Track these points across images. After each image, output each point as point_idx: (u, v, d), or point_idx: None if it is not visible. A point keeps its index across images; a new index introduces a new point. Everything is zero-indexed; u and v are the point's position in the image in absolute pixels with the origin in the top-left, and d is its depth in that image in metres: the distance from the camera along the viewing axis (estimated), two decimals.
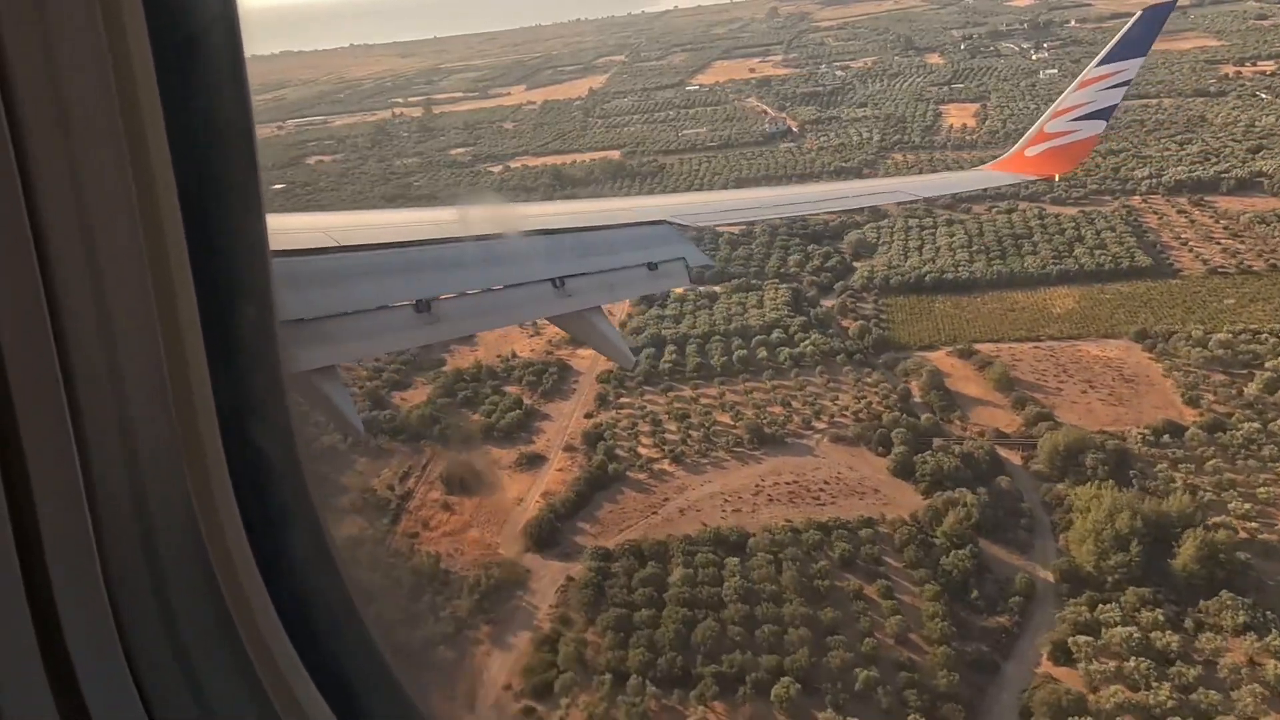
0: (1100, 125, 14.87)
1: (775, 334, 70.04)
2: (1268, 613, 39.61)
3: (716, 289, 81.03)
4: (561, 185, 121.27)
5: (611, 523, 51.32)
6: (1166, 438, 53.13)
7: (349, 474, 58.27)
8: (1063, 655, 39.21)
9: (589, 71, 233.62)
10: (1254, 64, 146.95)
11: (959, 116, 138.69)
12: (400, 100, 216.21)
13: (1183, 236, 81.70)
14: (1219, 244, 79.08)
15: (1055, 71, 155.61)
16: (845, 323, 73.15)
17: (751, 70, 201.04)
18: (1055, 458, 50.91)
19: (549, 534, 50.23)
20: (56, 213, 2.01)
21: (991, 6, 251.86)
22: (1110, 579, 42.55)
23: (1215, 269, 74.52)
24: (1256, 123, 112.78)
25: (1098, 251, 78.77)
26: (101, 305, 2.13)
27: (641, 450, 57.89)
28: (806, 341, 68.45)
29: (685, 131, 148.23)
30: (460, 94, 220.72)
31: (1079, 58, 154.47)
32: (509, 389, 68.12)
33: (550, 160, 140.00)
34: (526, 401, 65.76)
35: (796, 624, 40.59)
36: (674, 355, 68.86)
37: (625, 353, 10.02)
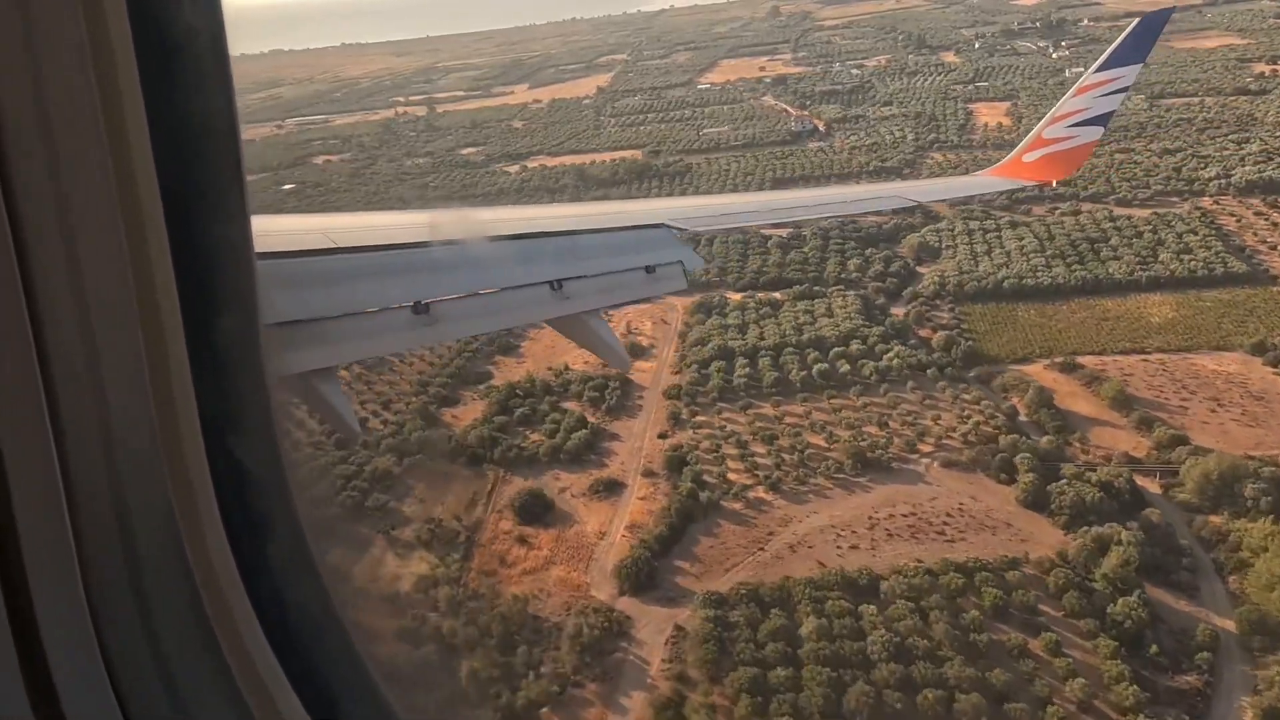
0: (1098, 131, 14.66)
1: (854, 345, 65.02)
2: None
3: (777, 295, 75.93)
4: (586, 186, 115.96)
5: (714, 561, 45.96)
6: None
7: (409, 502, 52.75)
8: None
9: (592, 70, 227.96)
10: None
11: (989, 115, 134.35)
12: (400, 99, 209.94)
13: (1269, 240, 77.21)
14: None
15: (1081, 69, 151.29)
16: (925, 333, 68.14)
17: (761, 69, 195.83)
18: (1206, 487, 45.99)
19: (645, 574, 44.88)
20: (37, 215, 1.95)
21: (997, 5, 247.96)
22: None
23: None
24: None
25: (1184, 256, 74.13)
26: (83, 309, 2.07)
27: (732, 476, 52.60)
28: (890, 354, 63.53)
29: (706, 130, 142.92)
30: (462, 93, 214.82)
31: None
32: (568, 405, 62.68)
33: (568, 160, 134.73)
34: (591, 420, 60.31)
35: (964, 688, 35.37)
36: (746, 369, 63.70)
37: (623, 356, 10.13)
